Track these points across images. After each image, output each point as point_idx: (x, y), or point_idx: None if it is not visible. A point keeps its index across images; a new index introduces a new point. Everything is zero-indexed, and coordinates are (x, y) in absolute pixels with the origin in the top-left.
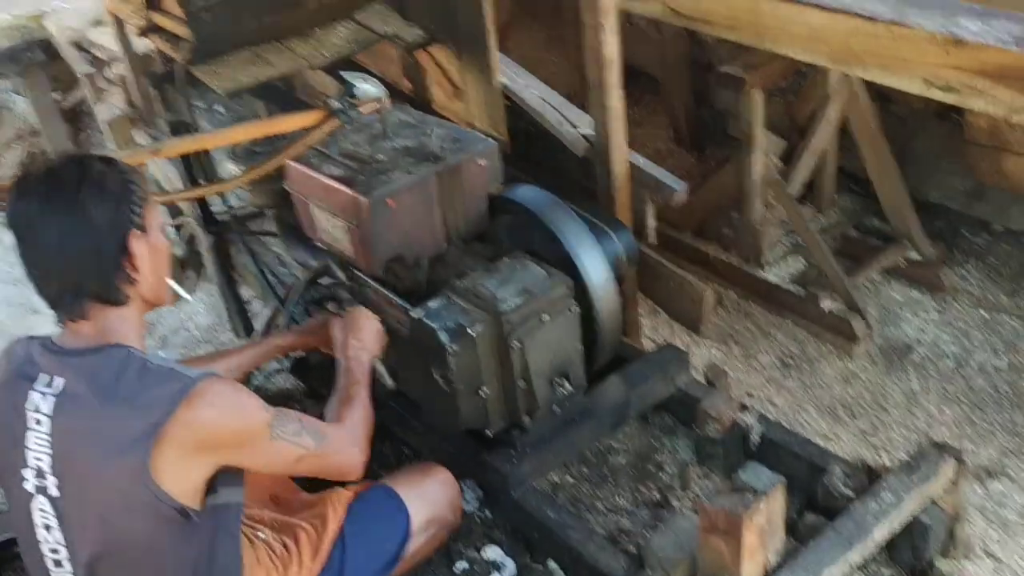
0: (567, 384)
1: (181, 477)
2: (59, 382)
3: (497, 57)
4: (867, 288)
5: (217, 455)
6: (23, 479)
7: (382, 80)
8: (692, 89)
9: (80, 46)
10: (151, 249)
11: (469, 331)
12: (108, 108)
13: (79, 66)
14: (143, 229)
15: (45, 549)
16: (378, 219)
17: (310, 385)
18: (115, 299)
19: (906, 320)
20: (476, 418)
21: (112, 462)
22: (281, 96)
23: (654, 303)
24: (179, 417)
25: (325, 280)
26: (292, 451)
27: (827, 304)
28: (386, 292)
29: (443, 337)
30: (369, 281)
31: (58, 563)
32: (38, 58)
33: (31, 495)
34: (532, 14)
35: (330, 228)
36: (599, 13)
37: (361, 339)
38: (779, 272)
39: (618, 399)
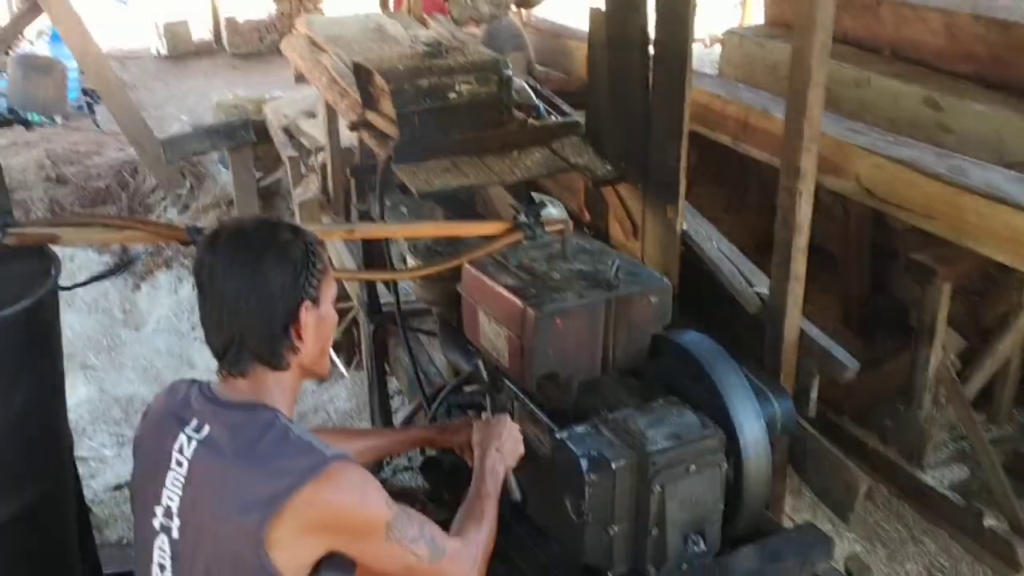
0: (702, 543)
1: (292, 554)
2: (206, 429)
3: (684, 203)
4: None
5: (331, 540)
6: (153, 515)
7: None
8: (871, 274)
9: (289, 132)
10: (319, 320)
11: (612, 464)
12: (304, 191)
13: (285, 150)
14: (316, 301)
15: None
16: (542, 334)
17: (436, 488)
18: (276, 363)
19: None
20: (600, 556)
21: (231, 520)
22: (461, 209)
23: (802, 481)
24: (305, 493)
25: (471, 388)
26: (405, 557)
27: (990, 522)
28: (534, 408)
29: (583, 464)
30: (519, 393)
31: None
32: (249, 137)
33: (156, 532)
34: (715, 173)
35: (492, 336)
36: (799, 178)
37: (501, 450)
38: (940, 477)
39: (750, 570)
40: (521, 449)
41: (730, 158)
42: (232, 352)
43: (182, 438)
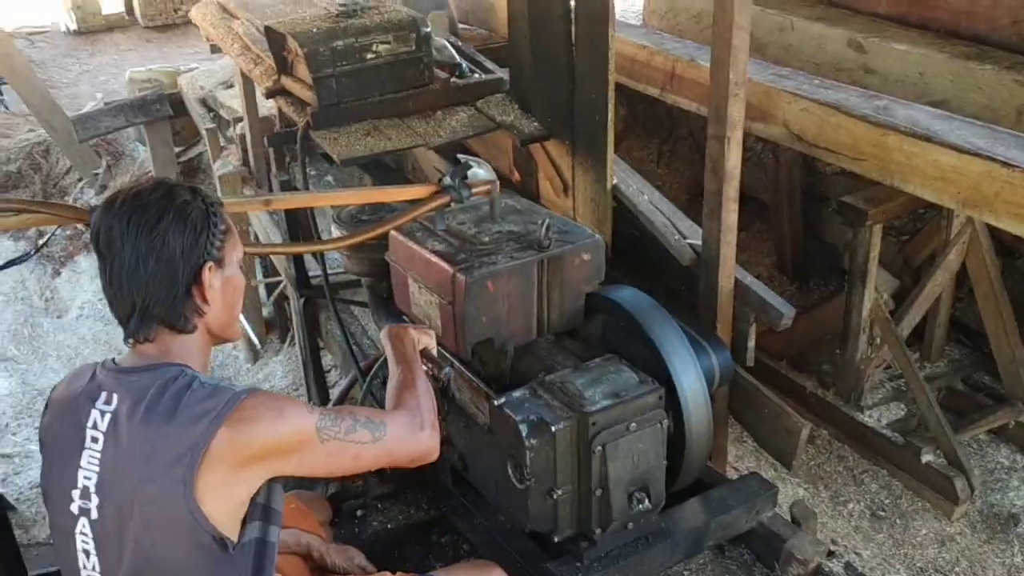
0: (647, 500)
1: (224, 497)
2: (115, 398)
3: (612, 158)
4: (972, 447)
5: (265, 468)
6: (70, 500)
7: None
8: (802, 219)
9: (207, 104)
10: (225, 283)
11: (551, 426)
12: (224, 164)
13: (203, 122)
14: (219, 262)
15: None
16: (473, 299)
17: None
18: (181, 326)
19: (1013, 488)
20: (545, 521)
21: (155, 480)
22: (389, 174)
23: (744, 429)
24: (223, 433)
25: None
26: (349, 449)
27: (928, 458)
28: (470, 375)
29: (523, 429)
30: (454, 362)
31: None
32: (165, 111)
33: (75, 517)
34: (646, 126)
35: (424, 303)
36: (727, 126)
37: (407, 329)
38: (878, 416)
39: (696, 525)
40: (431, 331)
41: (659, 110)
42: (136, 317)
43: (94, 414)
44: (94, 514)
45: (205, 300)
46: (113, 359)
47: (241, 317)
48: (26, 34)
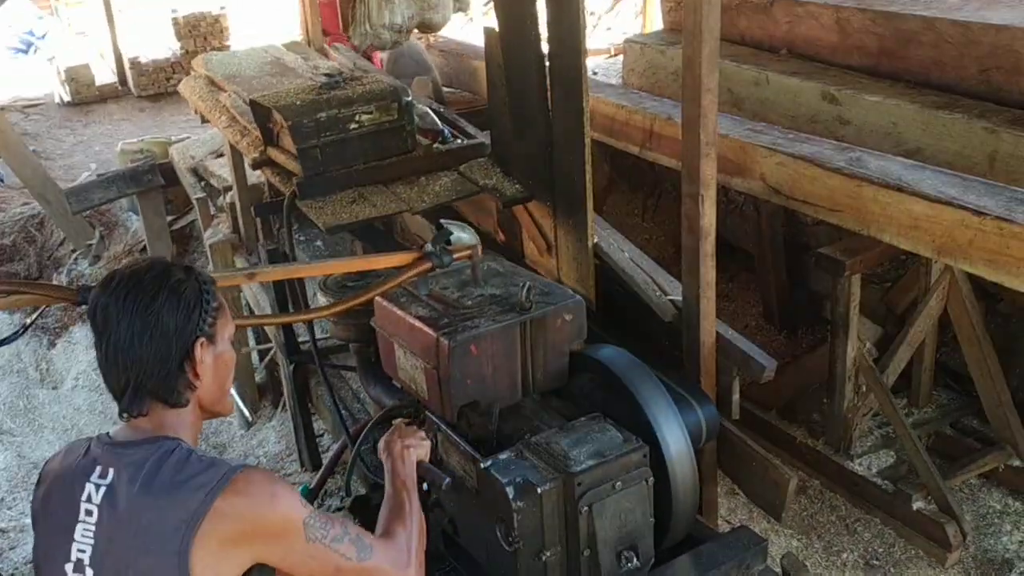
0: (635, 559)
1: (214, 572)
2: (111, 473)
3: (592, 217)
4: (963, 492)
5: (251, 549)
6: (63, 574)
7: (478, 229)
8: (787, 269)
9: (198, 173)
10: (216, 359)
11: (537, 489)
12: (214, 232)
13: (194, 192)
14: (211, 338)
15: None
16: (457, 363)
17: (368, 527)
18: (174, 400)
19: (1005, 532)
20: None
21: (151, 552)
22: (379, 238)
23: (733, 483)
24: (217, 506)
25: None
26: (330, 558)
27: (919, 504)
28: (456, 438)
29: (509, 492)
30: (440, 425)
31: None
32: (156, 181)
33: None
34: (630, 182)
35: (409, 368)
36: (700, 184)
37: (405, 442)
38: (867, 464)
39: None
40: (427, 442)
41: (643, 166)
42: (130, 393)
43: (89, 487)
44: None
45: (197, 375)
46: (108, 433)
47: (233, 391)
48: (21, 107)
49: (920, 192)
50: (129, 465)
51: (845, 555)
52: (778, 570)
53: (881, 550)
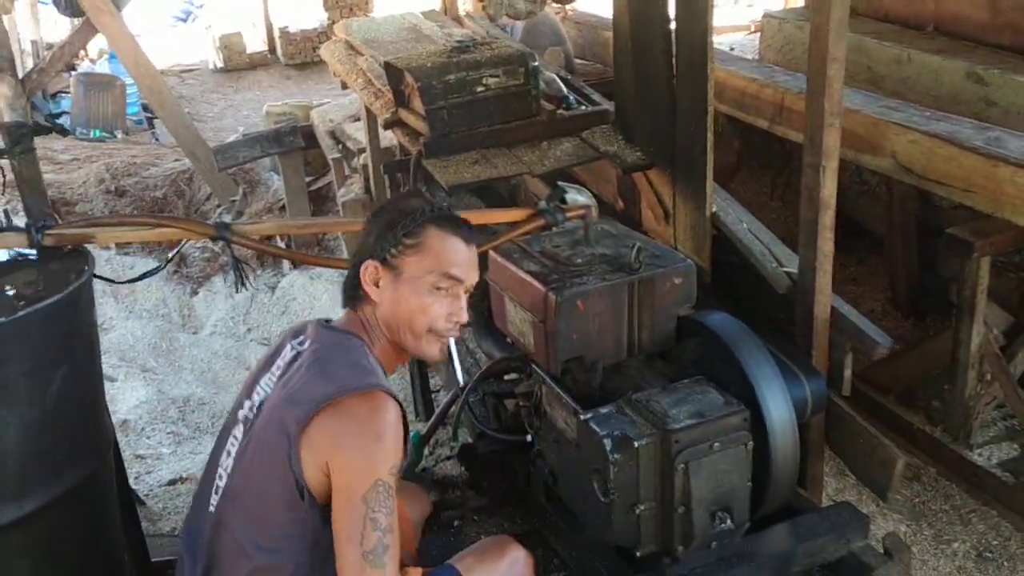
0: (729, 520)
1: (315, 461)
2: (307, 343)
3: (712, 186)
4: None
5: (329, 458)
6: (241, 407)
7: (597, 196)
8: (918, 253)
9: (335, 136)
10: (395, 290)
11: (635, 442)
12: (347, 191)
13: (330, 153)
14: (387, 264)
15: (220, 471)
16: (564, 318)
17: (474, 475)
18: (353, 301)
19: None
20: (628, 536)
21: (284, 408)
22: (501, 201)
23: (840, 461)
24: (341, 402)
25: (509, 377)
26: (355, 529)
27: None
28: (559, 391)
29: (607, 444)
30: (545, 378)
31: (217, 489)
32: (297, 143)
33: (237, 422)
34: (760, 160)
35: (519, 322)
36: (822, 154)
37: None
38: (988, 455)
39: (782, 549)
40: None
41: (773, 144)
42: (345, 287)
43: (287, 348)
44: (249, 425)
45: (365, 292)
46: (329, 318)
47: (452, 348)
48: (177, 72)
49: None
50: (319, 342)
51: (956, 544)
52: (880, 549)
53: (996, 543)
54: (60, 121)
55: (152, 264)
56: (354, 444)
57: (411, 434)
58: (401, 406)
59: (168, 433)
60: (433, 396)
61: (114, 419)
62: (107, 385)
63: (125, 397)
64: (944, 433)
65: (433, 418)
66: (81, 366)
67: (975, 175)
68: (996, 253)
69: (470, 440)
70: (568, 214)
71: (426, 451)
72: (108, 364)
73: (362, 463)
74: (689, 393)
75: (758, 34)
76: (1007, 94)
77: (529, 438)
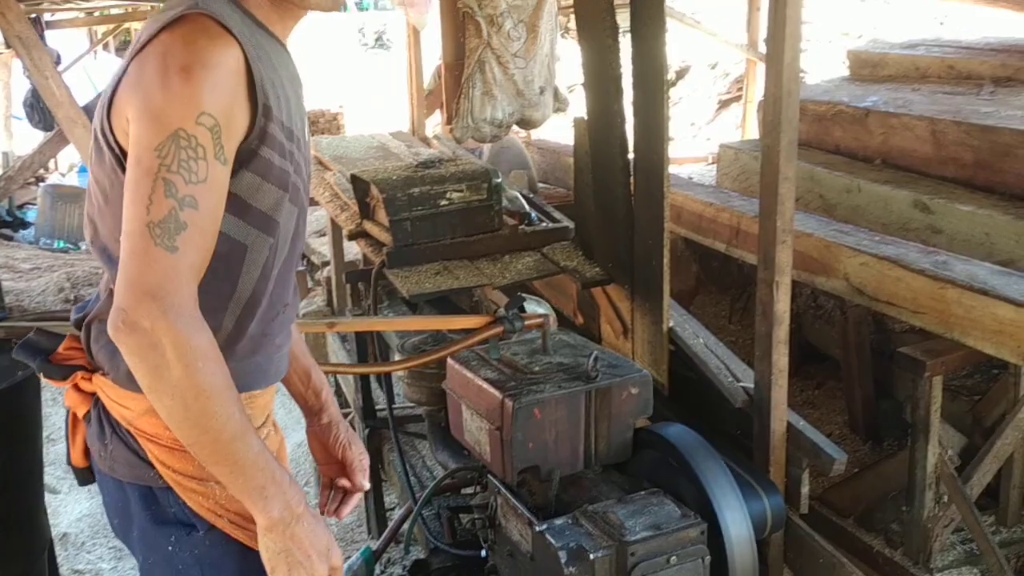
0: None
1: (119, 122)
2: None
3: (668, 301)
4: None
5: (127, 116)
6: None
7: (557, 311)
8: (874, 377)
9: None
10: None
11: (590, 555)
12: (308, 304)
13: None
14: None
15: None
16: (521, 425)
17: None
18: None
19: None
20: None
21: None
22: (456, 312)
23: None
24: (147, 47)
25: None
26: (142, 188)
27: None
28: (515, 502)
29: (562, 556)
30: (501, 488)
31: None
32: None
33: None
34: (718, 283)
35: (475, 430)
36: (775, 270)
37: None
38: None
39: None
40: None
41: (731, 268)
42: None
43: None
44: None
45: None
46: None
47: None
48: None
49: (1006, 296)
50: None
51: None
52: None
53: None
54: (25, 232)
55: None
56: (151, 83)
57: (362, 550)
58: (246, 51)
59: (110, 548)
60: (388, 513)
61: (54, 532)
62: (50, 497)
63: (68, 510)
64: (904, 556)
65: (386, 532)
66: (20, 461)
67: (923, 296)
68: (948, 373)
69: (422, 556)
70: (527, 322)
71: (377, 569)
72: (52, 476)
73: (158, 105)
74: (645, 505)
75: (715, 164)
76: (952, 222)
77: (483, 552)
